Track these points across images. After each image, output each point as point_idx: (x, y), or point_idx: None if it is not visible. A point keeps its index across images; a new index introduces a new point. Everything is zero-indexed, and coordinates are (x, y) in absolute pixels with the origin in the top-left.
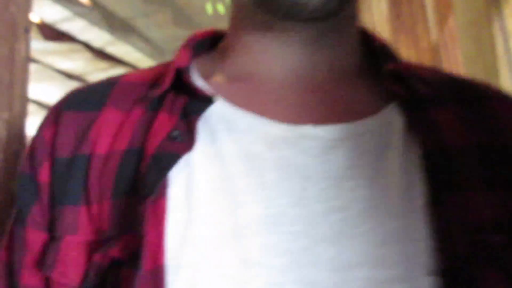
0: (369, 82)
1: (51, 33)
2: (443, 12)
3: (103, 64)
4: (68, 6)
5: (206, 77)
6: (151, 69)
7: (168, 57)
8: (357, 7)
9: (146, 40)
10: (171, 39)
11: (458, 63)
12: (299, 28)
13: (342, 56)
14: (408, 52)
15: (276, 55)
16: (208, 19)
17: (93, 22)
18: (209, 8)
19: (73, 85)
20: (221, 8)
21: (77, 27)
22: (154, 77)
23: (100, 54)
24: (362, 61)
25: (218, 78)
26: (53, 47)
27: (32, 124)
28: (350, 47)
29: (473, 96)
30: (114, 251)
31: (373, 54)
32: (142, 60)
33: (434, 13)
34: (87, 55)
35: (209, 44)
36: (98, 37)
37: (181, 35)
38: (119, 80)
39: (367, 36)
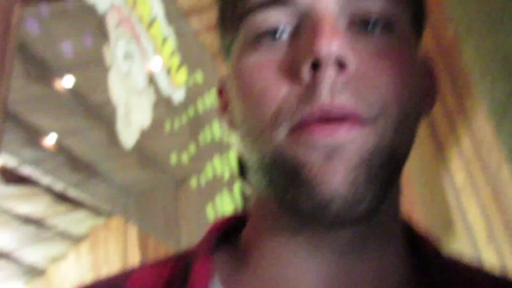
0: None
1: (13, 177)
2: None
3: (63, 207)
4: (32, 151)
5: (227, 284)
6: (163, 264)
7: (132, 200)
8: (399, 203)
9: (109, 183)
10: (136, 182)
11: (414, 207)
12: (331, 234)
13: (386, 264)
14: None
15: (305, 266)
16: (173, 164)
17: (56, 165)
18: (173, 158)
19: (29, 230)
20: (185, 159)
21: (40, 170)
22: (168, 277)
23: (61, 197)
24: (406, 261)
25: None
26: (13, 190)
27: None
28: (394, 252)
29: None
30: None
31: (414, 246)
32: (104, 203)
33: None
34: (47, 198)
35: (227, 230)
36: (60, 180)
37: (146, 178)
38: (128, 280)
39: (407, 227)
